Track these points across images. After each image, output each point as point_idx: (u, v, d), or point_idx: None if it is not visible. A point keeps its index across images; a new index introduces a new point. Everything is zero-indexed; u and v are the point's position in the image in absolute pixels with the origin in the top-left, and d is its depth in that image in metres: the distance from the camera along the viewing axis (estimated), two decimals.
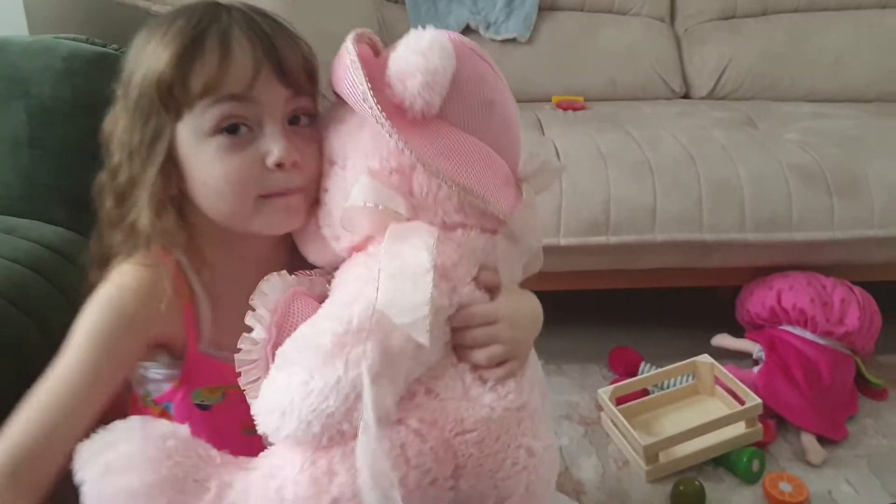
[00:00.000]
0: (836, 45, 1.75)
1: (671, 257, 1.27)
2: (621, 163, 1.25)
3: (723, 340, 1.31)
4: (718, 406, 1.17)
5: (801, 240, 1.25)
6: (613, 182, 1.22)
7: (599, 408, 1.18)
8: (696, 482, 1.02)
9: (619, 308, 1.56)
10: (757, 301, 1.30)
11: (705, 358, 1.19)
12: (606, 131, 1.35)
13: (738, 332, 1.34)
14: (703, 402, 1.19)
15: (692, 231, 1.23)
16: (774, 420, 1.17)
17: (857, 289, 1.27)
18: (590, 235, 1.21)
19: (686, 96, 1.76)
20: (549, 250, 1.20)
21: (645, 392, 1.21)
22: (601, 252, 1.24)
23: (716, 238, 1.23)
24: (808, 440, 1.13)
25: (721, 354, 1.30)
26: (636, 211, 1.22)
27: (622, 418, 1.09)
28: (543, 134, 1.36)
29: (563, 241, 1.21)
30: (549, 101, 1.61)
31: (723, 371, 1.16)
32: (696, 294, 1.44)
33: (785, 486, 1.02)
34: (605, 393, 1.14)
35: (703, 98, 1.73)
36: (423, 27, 0.57)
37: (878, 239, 1.27)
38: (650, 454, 1.05)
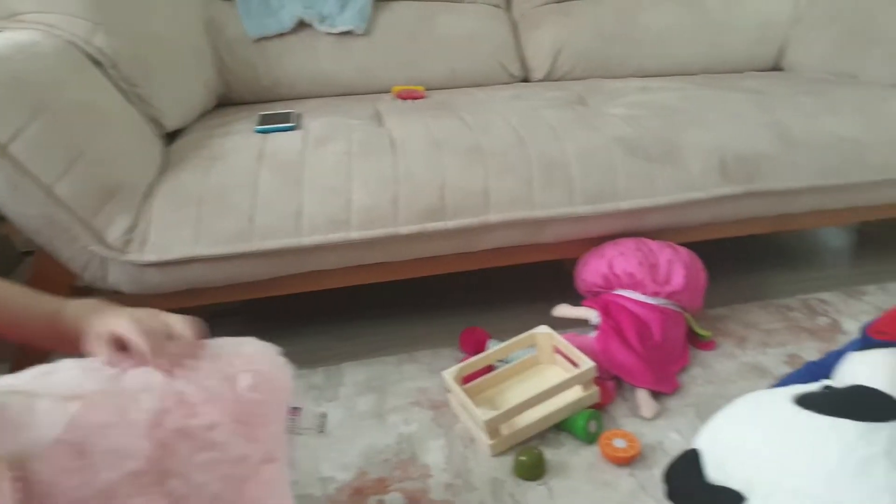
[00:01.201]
0: (662, 24, 1.85)
1: (509, 236, 1.31)
2: (455, 148, 1.28)
3: (563, 310, 1.37)
4: (559, 374, 1.22)
5: (628, 208, 1.32)
6: (447, 167, 1.25)
7: (448, 390, 1.21)
8: (536, 450, 1.07)
9: (470, 289, 1.61)
10: (591, 270, 1.36)
11: (543, 329, 1.24)
12: (442, 118, 1.37)
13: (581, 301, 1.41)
14: (545, 371, 1.25)
15: (524, 209, 1.27)
16: (614, 381, 1.24)
17: (682, 250, 1.36)
18: (428, 221, 1.23)
19: (526, 80, 1.82)
20: (390, 240, 1.25)
21: (492, 369, 1.25)
22: (442, 237, 1.26)
23: (547, 214, 1.29)
24: (642, 396, 1.20)
25: (565, 324, 1.36)
26: (470, 195, 1.25)
27: (464, 396, 1.12)
28: (381, 125, 1.37)
29: (403, 230, 1.22)
30: (390, 92, 1.62)
31: (560, 340, 1.21)
32: (542, 268, 1.50)
33: (618, 443, 1.08)
34: (449, 374, 1.17)
35: (540, 81, 1.80)
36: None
37: (698, 201, 1.36)
38: (492, 428, 1.08)
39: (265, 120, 1.36)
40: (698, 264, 1.37)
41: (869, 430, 0.67)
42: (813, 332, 1.41)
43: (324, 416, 1.10)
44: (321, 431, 1.05)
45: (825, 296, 1.57)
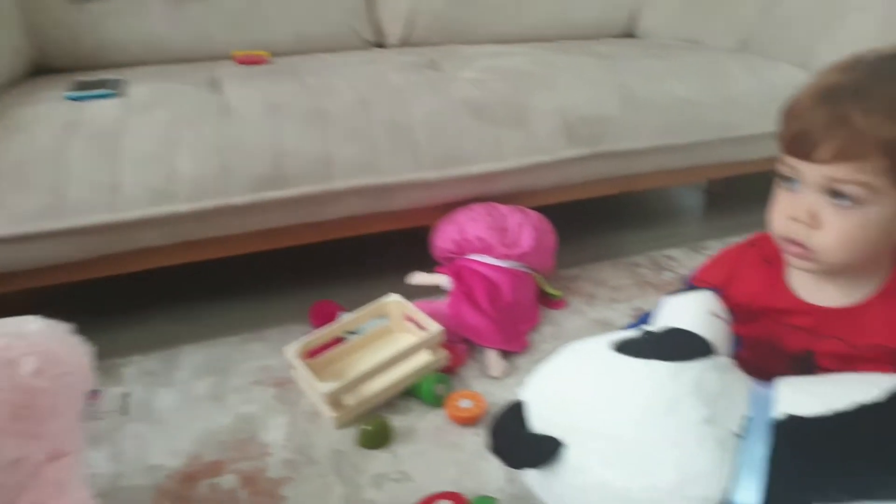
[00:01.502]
0: None
1: (357, 204, 1.27)
2: (293, 113, 1.22)
3: (417, 278, 1.35)
4: (410, 341, 1.20)
5: (477, 172, 1.32)
6: (285, 133, 1.19)
7: (292, 366, 1.16)
8: (381, 418, 1.05)
9: (323, 262, 1.56)
10: (444, 236, 1.35)
11: (393, 297, 1.22)
12: (282, 83, 1.31)
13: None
14: (397, 340, 1.22)
15: (371, 175, 1.24)
16: (465, 344, 1.24)
17: (532, 213, 1.37)
18: (265, 190, 1.17)
19: (381, 46, 1.78)
20: (224, 212, 1.18)
21: (342, 341, 1.22)
22: (282, 207, 1.21)
23: (395, 180, 1.26)
24: (491, 356, 1.20)
25: (422, 292, 1.35)
26: (312, 161, 1.20)
27: (305, 369, 1.08)
28: (216, 92, 1.29)
29: (236, 200, 1.16)
30: (230, 57, 1.54)
31: (410, 307, 1.19)
32: (398, 237, 1.48)
33: (464, 403, 1.07)
34: (291, 349, 1.13)
35: (396, 47, 1.76)
36: None
37: (545, 164, 1.37)
38: (334, 400, 1.05)
39: (80, 86, 1.24)
40: (547, 226, 1.39)
41: (678, 370, 0.68)
42: (658, 286, 1.47)
43: (126, 395, 1.02)
44: (125, 413, 0.97)
45: (672, 252, 1.63)
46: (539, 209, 1.43)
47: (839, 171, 0.67)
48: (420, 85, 1.34)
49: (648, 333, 0.78)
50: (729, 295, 0.85)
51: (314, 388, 1.07)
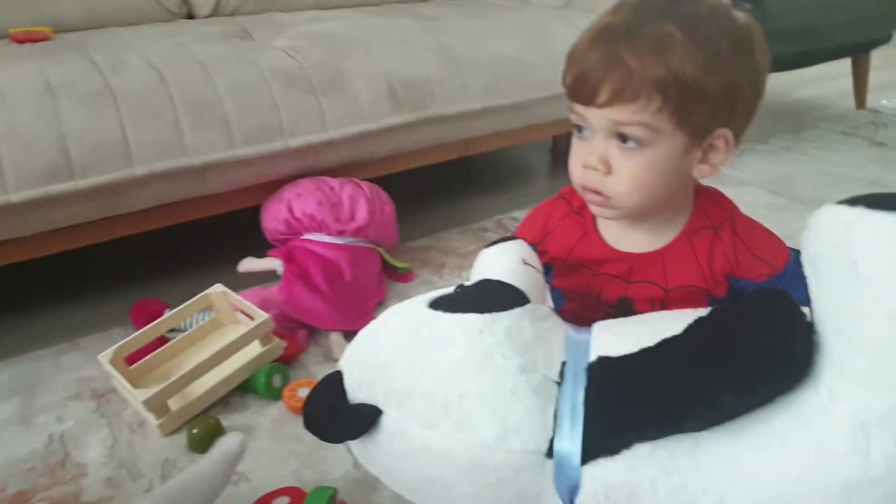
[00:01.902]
0: None
1: (166, 190, 1.15)
2: (77, 94, 1.08)
3: (248, 264, 1.26)
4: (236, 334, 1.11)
5: (297, 146, 1.23)
6: (67, 117, 1.05)
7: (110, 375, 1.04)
8: (211, 419, 0.96)
9: (145, 257, 1.43)
10: (272, 216, 1.26)
11: (217, 288, 1.12)
12: (64, 61, 1.15)
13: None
14: (227, 334, 1.13)
15: (177, 157, 1.12)
16: (306, 329, 1.16)
17: (365, 184, 1.31)
18: (50, 184, 1.03)
19: (191, 17, 1.64)
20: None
21: (166, 341, 1.11)
22: (75, 201, 1.07)
23: (206, 159, 1.15)
24: (334, 339, 1.14)
25: (258, 279, 1.25)
26: (103, 146, 1.07)
27: (119, 377, 0.97)
28: None
29: (15, 198, 1.01)
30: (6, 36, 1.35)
31: (235, 297, 1.10)
32: (225, 222, 1.37)
33: (303, 392, 1.00)
34: (105, 356, 1.00)
35: (207, 17, 1.63)
36: None
37: (371, 133, 1.31)
38: (156, 406, 0.94)
39: None
40: (383, 197, 1.33)
41: (491, 321, 0.65)
42: None
43: None
44: None
45: (519, 214, 1.63)
46: (377, 181, 1.37)
47: (620, 114, 0.66)
48: (227, 56, 1.23)
49: (461, 287, 0.75)
50: (546, 250, 0.84)
51: (132, 395, 0.96)
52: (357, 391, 0.68)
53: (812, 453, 0.54)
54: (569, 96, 0.71)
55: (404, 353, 0.66)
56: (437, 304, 0.69)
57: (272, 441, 0.95)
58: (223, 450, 0.81)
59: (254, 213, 1.32)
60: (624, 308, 0.79)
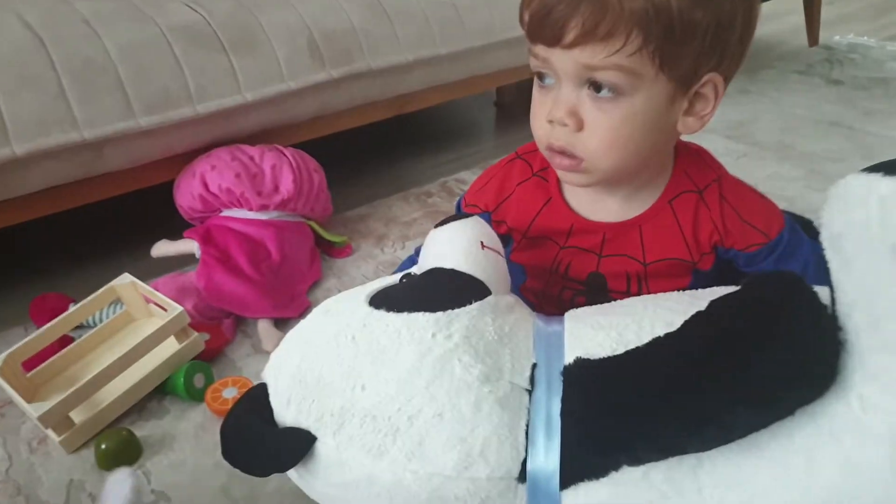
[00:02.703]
0: None
1: (57, 171, 1.01)
2: None
3: (162, 248, 1.13)
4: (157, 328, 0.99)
5: (208, 112, 1.09)
6: None
7: None
8: (123, 431, 0.84)
9: (41, 249, 1.28)
10: (185, 193, 1.13)
11: (124, 278, 0.98)
12: None
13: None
14: (141, 328, 1.00)
15: (64, 132, 0.97)
16: (232, 318, 1.05)
17: (289, 151, 1.18)
18: None
19: None
20: None
21: (71, 341, 0.98)
22: None
23: (100, 134, 1.00)
24: (263, 328, 1.02)
25: (172, 265, 1.13)
26: None
27: (8, 388, 0.84)
28: None
29: None
30: None
31: (145, 287, 0.97)
32: (135, 202, 1.22)
33: (228, 393, 0.89)
34: None
35: None
36: None
37: (292, 92, 1.17)
38: (56, 421, 0.82)
39: None
40: (310, 165, 1.20)
41: (445, 322, 0.55)
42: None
43: None
44: None
45: (464, 175, 1.52)
46: (302, 147, 1.24)
47: (592, 56, 0.55)
48: (117, 12, 1.07)
49: (408, 279, 0.64)
50: (503, 219, 0.73)
51: (27, 408, 0.83)
52: (284, 410, 0.57)
53: (842, 473, 0.45)
54: (528, 36, 0.59)
55: (341, 366, 0.55)
56: (379, 301, 0.58)
57: (196, 452, 0.84)
58: None
59: (165, 191, 1.18)
60: (595, 286, 0.69)
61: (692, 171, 0.67)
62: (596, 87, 0.57)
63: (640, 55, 0.54)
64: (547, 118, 0.60)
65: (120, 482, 0.66)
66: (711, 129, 1.71)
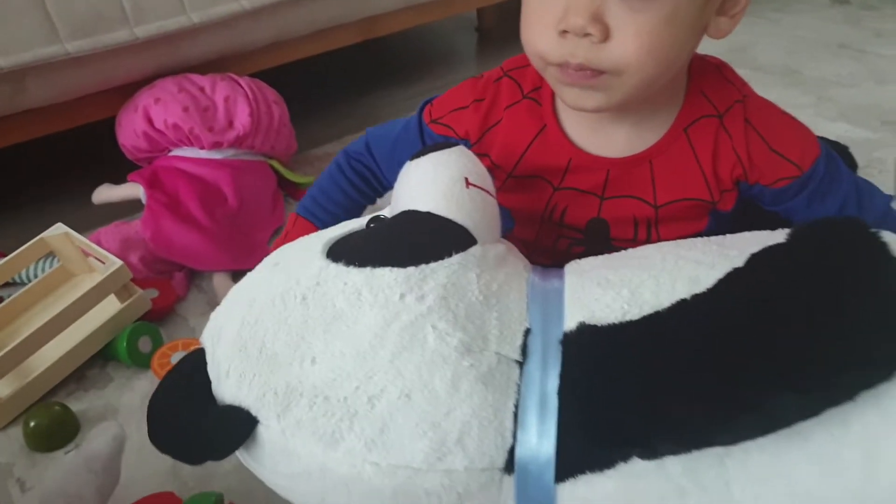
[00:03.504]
0: None
1: None
2: None
3: (103, 194, 1.01)
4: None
5: (148, 35, 0.96)
6: None
7: None
8: (56, 405, 0.74)
9: None
10: (127, 131, 1.00)
11: (57, 228, 0.87)
12: None
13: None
14: (80, 286, 0.89)
15: None
16: (185, 272, 0.94)
17: (244, 81, 1.05)
18: None
19: None
20: None
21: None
22: None
23: (17, 62, 0.87)
24: (220, 282, 0.91)
25: (116, 212, 1.01)
26: None
27: None
28: None
29: None
30: None
31: (81, 239, 0.85)
32: (69, 141, 1.09)
33: (178, 358, 0.79)
34: None
35: None
36: None
37: (245, 13, 1.04)
38: None
39: None
40: (269, 95, 1.07)
41: (418, 279, 0.44)
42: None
43: None
44: None
45: None
46: (260, 76, 1.11)
47: None
48: None
49: (375, 223, 0.53)
50: (486, 152, 0.61)
51: None
52: (223, 382, 0.47)
53: None
54: None
55: (288, 333, 0.45)
56: (337, 252, 0.48)
57: (142, 426, 0.70)
58: (85, 455, 0.59)
59: (106, 130, 1.05)
60: (596, 234, 0.58)
61: (711, 90, 0.56)
62: None
63: None
64: (559, 27, 0.48)
65: (104, 429, 0.61)
66: (709, 55, 1.60)
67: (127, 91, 1.00)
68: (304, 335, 0.45)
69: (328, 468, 0.43)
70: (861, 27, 1.72)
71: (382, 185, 0.72)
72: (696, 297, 0.40)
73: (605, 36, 0.46)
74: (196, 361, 0.50)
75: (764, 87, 0.62)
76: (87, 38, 0.91)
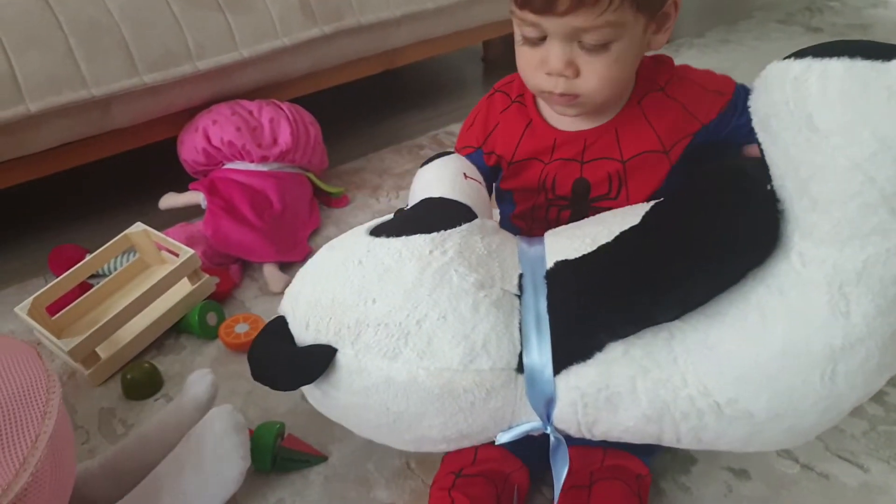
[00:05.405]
0: None
1: (67, 128, 1.06)
2: None
3: (169, 200, 1.19)
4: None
5: (208, 68, 1.14)
6: None
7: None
8: (146, 363, 0.91)
9: (59, 201, 1.34)
10: (189, 147, 1.18)
11: (137, 227, 1.05)
12: None
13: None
14: (155, 274, 1.07)
15: (74, 89, 1.03)
16: (239, 264, 1.12)
17: (286, 105, 1.23)
18: None
19: None
20: None
21: (89, 287, 1.05)
22: None
23: (108, 91, 1.06)
24: (269, 271, 1.09)
25: (183, 216, 1.19)
26: None
27: (40, 327, 0.92)
28: None
29: None
30: None
31: (158, 235, 1.04)
32: (141, 157, 1.28)
33: (240, 328, 0.96)
34: (22, 308, 0.94)
35: None
36: None
37: (286, 49, 1.23)
38: (83, 356, 0.89)
39: None
40: (306, 118, 1.25)
41: (440, 240, 0.62)
42: None
43: None
44: None
45: (453, 128, 1.57)
46: (298, 101, 1.29)
47: (585, 20, 0.62)
48: None
49: (401, 211, 0.71)
50: (492, 150, 0.80)
51: (57, 345, 0.91)
52: (304, 333, 0.64)
53: (792, 323, 0.52)
54: (518, 4, 0.65)
55: (352, 286, 0.62)
56: (378, 231, 0.65)
57: None
58: (191, 394, 0.78)
59: (169, 147, 1.24)
60: (580, 194, 0.76)
61: (652, 74, 0.75)
62: (586, 41, 0.64)
63: (622, 7, 0.62)
64: (545, 71, 0.67)
65: (201, 376, 0.80)
66: None
67: (188, 114, 1.19)
68: (364, 286, 0.61)
69: (391, 378, 0.59)
70: None
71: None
72: (631, 227, 0.58)
73: (576, 74, 0.66)
74: (279, 323, 0.67)
75: None
76: (160, 71, 1.10)
